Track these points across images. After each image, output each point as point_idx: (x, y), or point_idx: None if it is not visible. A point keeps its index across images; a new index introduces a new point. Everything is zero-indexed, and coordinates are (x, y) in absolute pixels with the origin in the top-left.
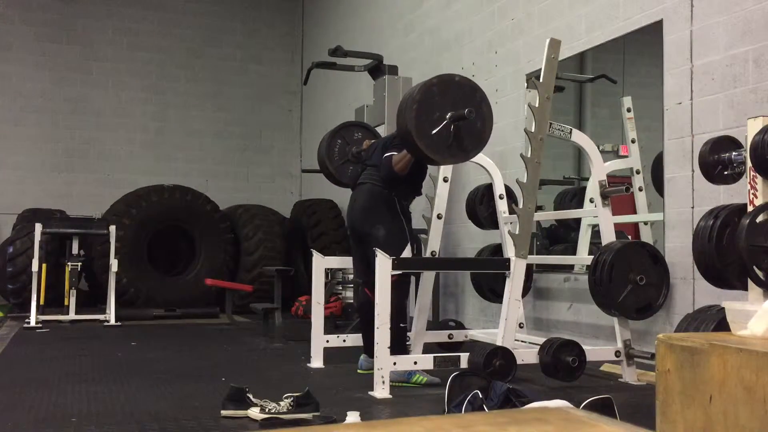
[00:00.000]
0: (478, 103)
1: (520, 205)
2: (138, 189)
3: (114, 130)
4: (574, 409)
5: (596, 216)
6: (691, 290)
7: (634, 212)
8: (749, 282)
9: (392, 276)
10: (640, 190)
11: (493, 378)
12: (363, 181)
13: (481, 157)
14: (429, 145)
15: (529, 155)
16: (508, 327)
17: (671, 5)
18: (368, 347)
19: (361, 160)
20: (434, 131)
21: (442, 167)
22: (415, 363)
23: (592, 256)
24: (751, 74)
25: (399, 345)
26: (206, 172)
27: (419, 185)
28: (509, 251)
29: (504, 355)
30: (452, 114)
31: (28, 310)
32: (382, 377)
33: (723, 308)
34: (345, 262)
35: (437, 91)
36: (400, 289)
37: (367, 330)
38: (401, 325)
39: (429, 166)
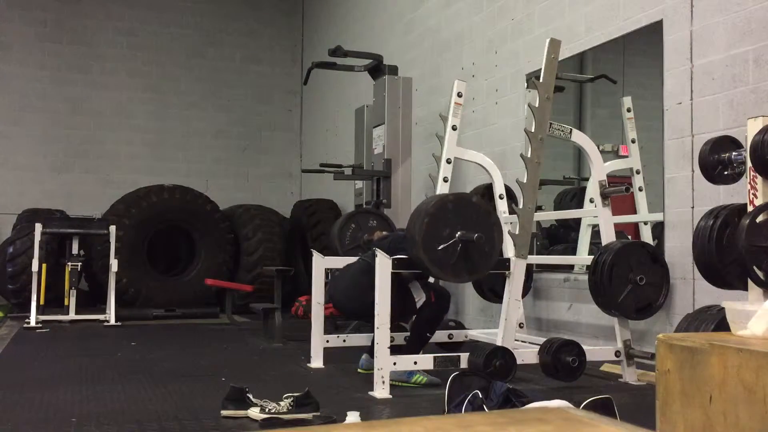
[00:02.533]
0: (490, 226)
1: (520, 205)
2: (138, 189)
3: (114, 130)
4: (574, 409)
5: (596, 216)
6: (691, 290)
7: (634, 212)
8: (749, 282)
9: (431, 296)
10: (640, 190)
11: (493, 378)
12: (361, 258)
13: (481, 157)
14: (432, 260)
15: (529, 155)
16: (508, 327)
17: (671, 5)
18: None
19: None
20: (440, 247)
21: (442, 167)
22: (415, 363)
23: (592, 256)
24: (751, 74)
25: (415, 350)
26: (206, 172)
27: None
28: (509, 251)
29: (504, 355)
30: (462, 234)
31: (28, 310)
32: (382, 377)
33: (723, 308)
34: (345, 262)
35: (451, 208)
36: (439, 305)
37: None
38: (428, 334)
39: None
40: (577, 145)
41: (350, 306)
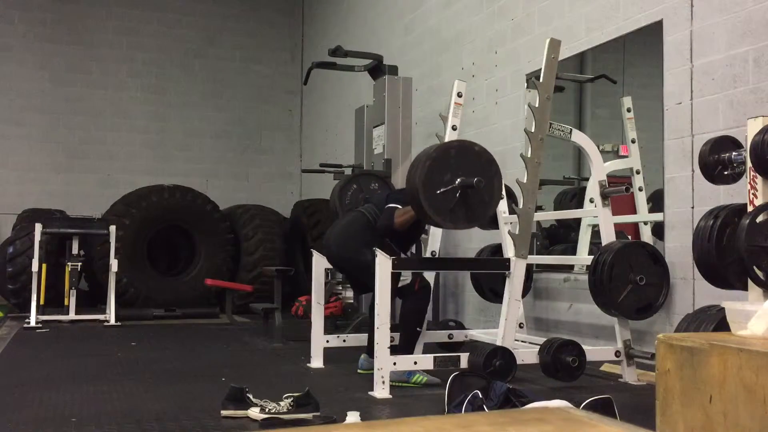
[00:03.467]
0: (491, 176)
1: (520, 205)
2: (138, 189)
3: (114, 130)
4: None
5: (596, 216)
6: (691, 290)
7: (634, 212)
8: (749, 282)
9: (415, 284)
10: (640, 190)
11: (493, 378)
12: (356, 210)
13: None
14: (432, 204)
15: (529, 155)
16: (508, 327)
17: (671, 5)
18: (371, 348)
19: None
20: (439, 191)
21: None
22: (415, 363)
23: (592, 256)
24: (751, 74)
25: (408, 347)
26: (206, 172)
27: (413, 242)
28: (509, 251)
29: (504, 355)
30: (462, 180)
31: (28, 310)
32: (382, 377)
33: (723, 308)
34: None
35: (454, 154)
36: (422, 298)
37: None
38: (417, 329)
39: (427, 227)
40: (577, 145)
41: (341, 255)
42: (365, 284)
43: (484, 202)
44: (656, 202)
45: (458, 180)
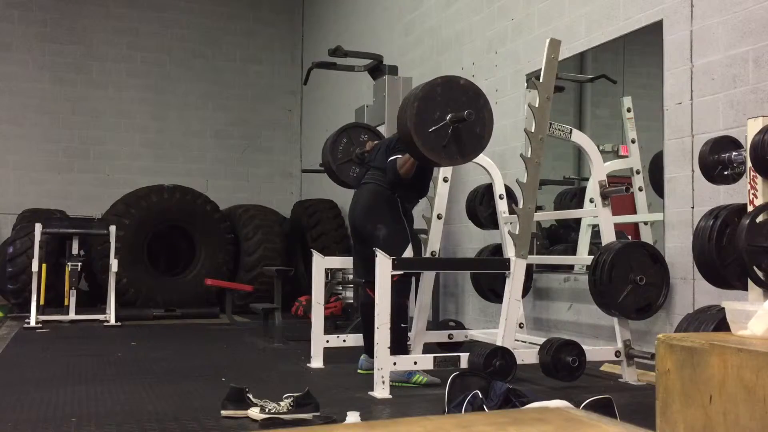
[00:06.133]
0: (480, 107)
1: (520, 205)
2: (138, 189)
3: (114, 130)
4: (574, 409)
5: (596, 216)
6: (691, 290)
7: (634, 212)
8: (749, 282)
9: (393, 276)
10: (640, 190)
11: (493, 378)
12: (366, 181)
13: (481, 157)
14: (425, 143)
15: (529, 155)
16: (508, 327)
17: (671, 5)
18: (369, 347)
19: (364, 161)
20: (431, 129)
21: (442, 167)
22: (415, 363)
23: (592, 256)
24: (751, 74)
25: (399, 345)
26: (206, 172)
27: (424, 189)
28: (509, 251)
29: (504, 355)
30: (452, 115)
31: (28, 310)
32: (382, 377)
33: (723, 308)
34: (345, 262)
35: (440, 92)
36: (401, 289)
37: (368, 330)
38: (402, 325)
39: (433, 169)
40: (577, 145)
41: (366, 227)
42: (370, 265)
43: (477, 135)
44: (656, 163)
45: (448, 116)
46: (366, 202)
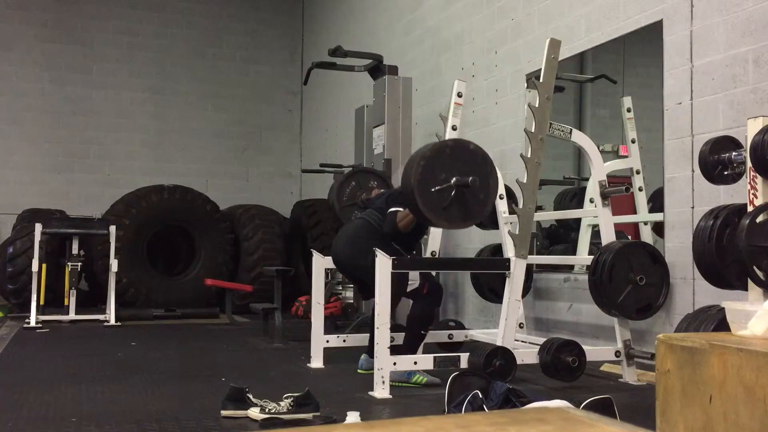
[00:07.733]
0: (486, 174)
1: (520, 205)
2: (138, 189)
3: (114, 130)
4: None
5: (596, 216)
6: (691, 290)
7: (634, 212)
8: (749, 282)
9: (423, 288)
10: (640, 190)
11: (493, 378)
12: (359, 217)
13: None
14: (427, 203)
15: (529, 155)
16: (508, 327)
17: (671, 5)
18: (372, 348)
19: (367, 207)
20: (434, 189)
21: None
22: (415, 363)
23: (592, 256)
24: (751, 74)
25: (412, 349)
26: (206, 172)
27: (414, 244)
28: (509, 251)
29: (504, 355)
30: (457, 179)
31: (28, 310)
32: (382, 377)
33: (723, 308)
34: None
35: (449, 153)
36: (431, 301)
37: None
38: (422, 332)
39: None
40: (577, 145)
41: (351, 262)
42: (374, 289)
43: (480, 201)
44: (656, 200)
45: (453, 179)
46: (351, 236)
